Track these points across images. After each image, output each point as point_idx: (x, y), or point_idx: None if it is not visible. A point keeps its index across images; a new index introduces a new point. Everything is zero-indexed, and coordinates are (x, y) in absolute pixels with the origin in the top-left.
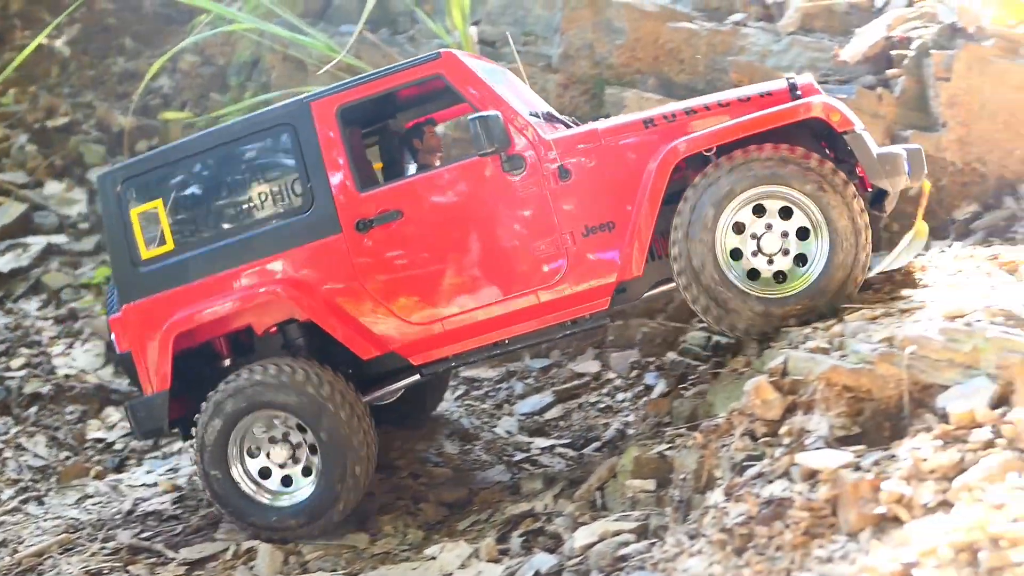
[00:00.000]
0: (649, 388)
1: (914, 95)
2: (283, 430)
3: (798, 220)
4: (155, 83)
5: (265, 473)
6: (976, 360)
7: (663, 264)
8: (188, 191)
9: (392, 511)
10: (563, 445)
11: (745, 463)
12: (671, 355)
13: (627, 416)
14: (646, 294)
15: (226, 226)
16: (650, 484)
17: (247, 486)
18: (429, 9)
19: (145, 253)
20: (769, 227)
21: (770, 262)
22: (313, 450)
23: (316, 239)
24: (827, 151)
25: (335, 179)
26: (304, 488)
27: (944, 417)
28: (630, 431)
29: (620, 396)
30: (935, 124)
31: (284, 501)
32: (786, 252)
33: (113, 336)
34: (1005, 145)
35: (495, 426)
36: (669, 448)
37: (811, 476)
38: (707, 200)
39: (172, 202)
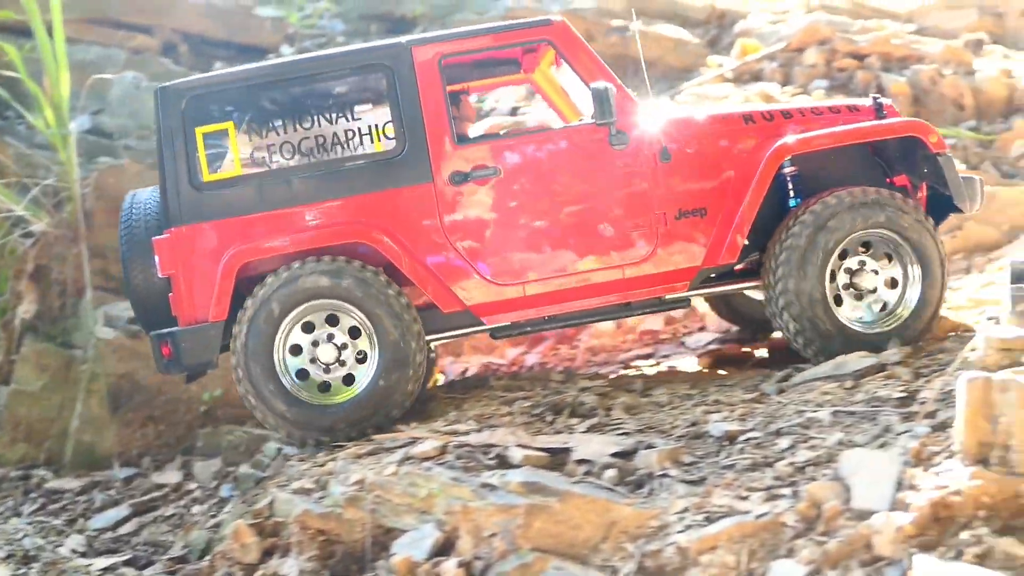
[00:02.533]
0: (225, 500)
1: None
2: (328, 331)
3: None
4: None
5: (303, 375)
6: (431, 506)
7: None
8: (265, 117)
9: None
10: (125, 563)
11: None
12: (244, 468)
13: (201, 531)
14: (714, 289)
15: (305, 160)
16: None
17: (288, 381)
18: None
19: (207, 175)
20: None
21: (859, 297)
22: (360, 359)
23: (405, 185)
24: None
25: (431, 127)
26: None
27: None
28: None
29: (196, 508)
30: None
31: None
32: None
33: (156, 256)
34: None
35: (61, 544)
36: None
37: None
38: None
39: (246, 126)
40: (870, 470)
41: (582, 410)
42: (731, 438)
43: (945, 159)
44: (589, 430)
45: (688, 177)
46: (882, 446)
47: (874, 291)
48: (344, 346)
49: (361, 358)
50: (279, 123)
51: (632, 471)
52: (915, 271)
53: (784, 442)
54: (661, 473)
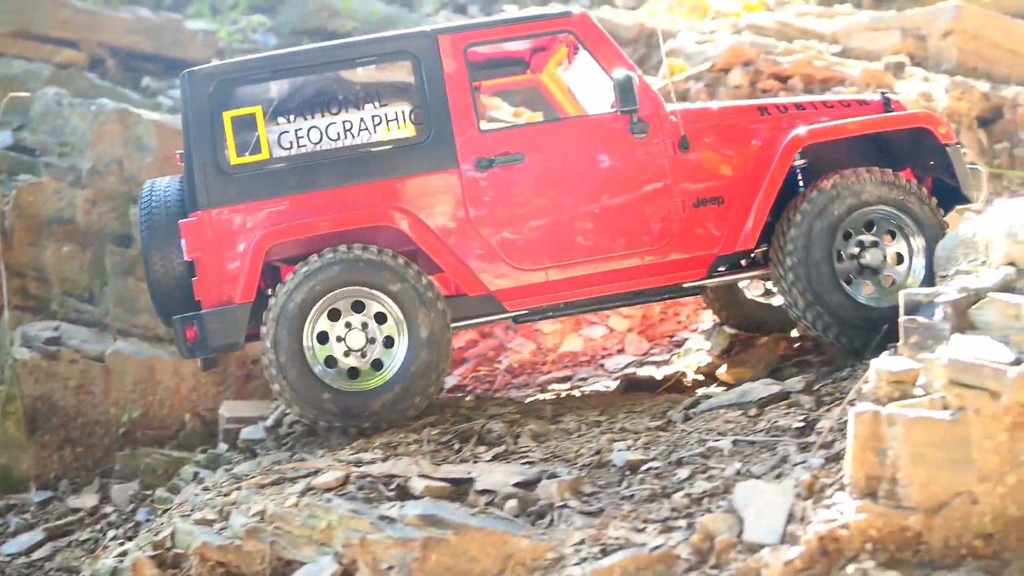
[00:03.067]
0: (140, 525)
1: None
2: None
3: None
4: None
5: (330, 362)
6: (330, 538)
7: None
8: (292, 102)
9: None
10: None
11: None
12: (161, 492)
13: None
14: (727, 278)
15: (331, 144)
16: None
17: (315, 363)
18: None
19: (235, 159)
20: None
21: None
22: (388, 343)
23: (431, 170)
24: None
25: (456, 114)
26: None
27: None
28: None
29: (111, 533)
30: None
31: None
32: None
33: (183, 240)
34: None
35: None
36: None
37: None
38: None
39: (273, 111)
40: (763, 502)
41: (489, 438)
42: (633, 468)
43: (954, 150)
44: (495, 459)
45: (706, 166)
46: (778, 477)
47: (881, 268)
48: (371, 334)
49: (387, 343)
50: (306, 108)
51: (534, 501)
52: (918, 242)
53: (684, 472)
54: (561, 504)
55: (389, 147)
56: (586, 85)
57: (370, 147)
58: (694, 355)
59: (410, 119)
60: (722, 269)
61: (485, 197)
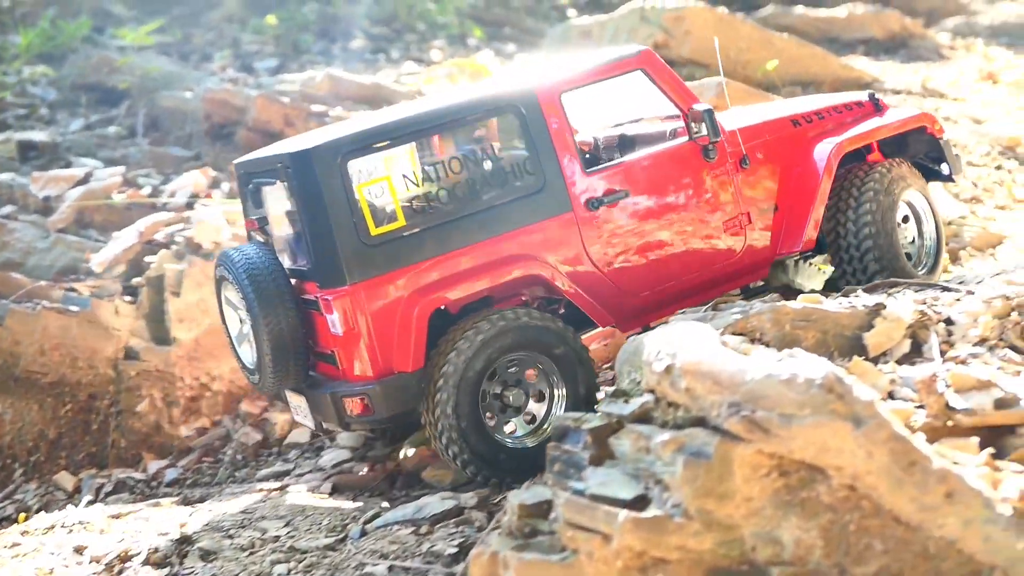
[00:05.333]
0: None
1: (154, 307)
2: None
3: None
4: None
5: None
6: None
7: None
8: (416, 166)
9: None
10: None
11: None
12: None
13: None
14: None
15: (457, 203)
16: None
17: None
18: None
19: (374, 230)
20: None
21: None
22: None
23: (550, 216)
24: None
25: (564, 160)
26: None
27: None
28: None
29: None
30: (169, 338)
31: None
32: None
33: (336, 315)
34: (233, 360)
35: None
36: None
37: None
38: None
39: (400, 177)
40: None
41: (155, 557)
42: None
43: (945, 142)
44: None
45: (760, 179)
46: None
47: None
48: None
49: (538, 397)
50: (429, 169)
51: None
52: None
53: None
54: None
55: (509, 199)
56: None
57: (492, 201)
58: (416, 448)
59: (525, 169)
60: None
61: (598, 233)
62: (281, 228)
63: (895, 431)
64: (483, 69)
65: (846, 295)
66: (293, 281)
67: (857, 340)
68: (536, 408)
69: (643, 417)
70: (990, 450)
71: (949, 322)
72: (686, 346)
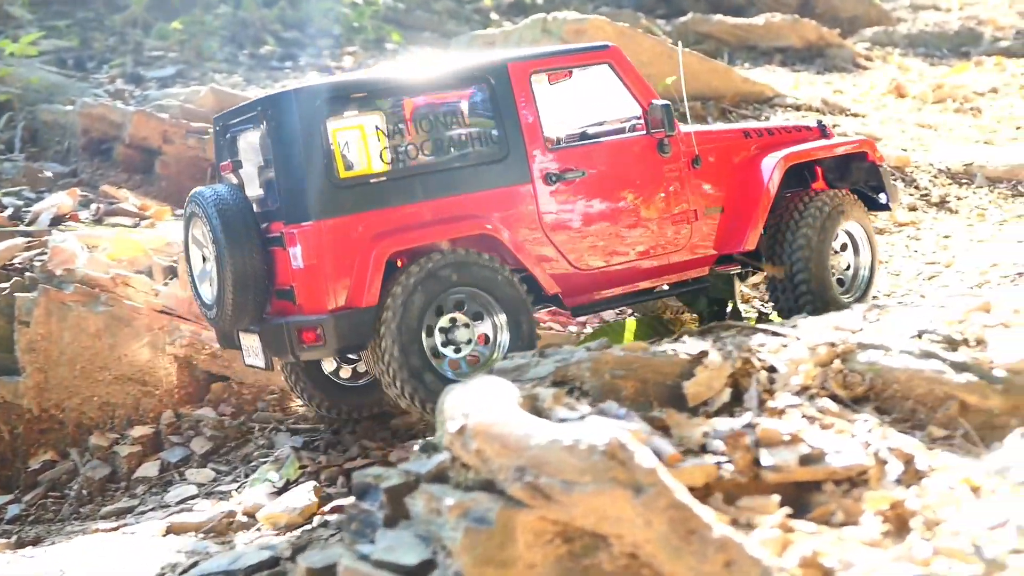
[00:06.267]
0: None
1: (5, 336)
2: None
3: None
4: None
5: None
6: None
7: None
8: (392, 121)
9: None
10: None
11: None
12: None
13: None
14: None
15: (427, 159)
16: None
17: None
18: None
19: (343, 173)
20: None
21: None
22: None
23: (510, 185)
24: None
25: (528, 134)
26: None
27: None
28: None
29: None
30: (18, 368)
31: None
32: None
33: (299, 248)
34: (84, 392)
35: None
36: None
37: None
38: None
39: (374, 128)
40: None
41: None
42: None
43: (883, 169)
44: None
45: (709, 181)
46: None
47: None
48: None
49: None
50: (403, 126)
51: None
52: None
53: None
54: None
55: (475, 163)
56: (567, 103)
57: (459, 162)
58: (259, 486)
59: (491, 138)
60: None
61: (554, 207)
62: (252, 171)
63: (676, 499)
64: None
65: (674, 341)
66: (262, 224)
67: (678, 389)
68: (481, 350)
69: (440, 476)
70: (786, 510)
71: (772, 370)
72: (481, 406)
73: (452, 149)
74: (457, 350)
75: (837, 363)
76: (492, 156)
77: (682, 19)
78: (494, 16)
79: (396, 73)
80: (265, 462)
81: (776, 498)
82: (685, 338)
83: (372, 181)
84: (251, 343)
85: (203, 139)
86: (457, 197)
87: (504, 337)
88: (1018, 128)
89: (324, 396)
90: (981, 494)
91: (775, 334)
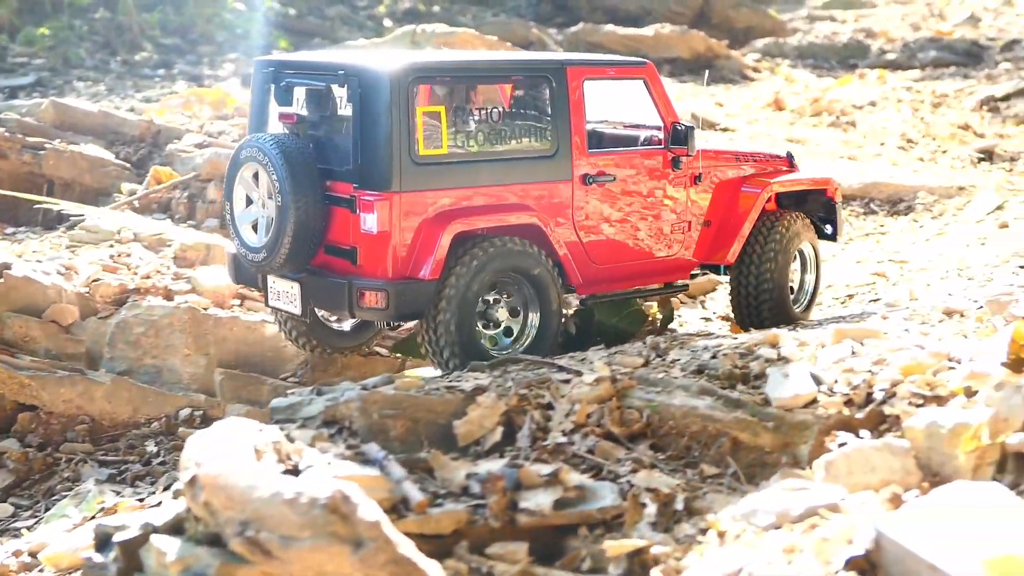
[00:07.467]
0: None
1: None
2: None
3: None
4: None
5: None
6: None
7: None
8: (467, 104)
9: None
10: None
11: None
12: None
13: None
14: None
15: (492, 147)
16: None
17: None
18: None
19: (423, 151)
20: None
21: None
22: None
23: (555, 180)
24: None
25: (576, 136)
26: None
27: None
28: None
29: None
30: None
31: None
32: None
33: (375, 215)
34: None
35: None
36: None
37: None
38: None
39: (453, 110)
40: None
41: None
42: None
43: (838, 205)
44: None
45: (704, 196)
46: None
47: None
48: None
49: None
50: (475, 110)
51: None
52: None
53: None
54: None
55: (530, 155)
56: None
57: (517, 152)
58: (55, 522)
59: (546, 134)
60: (696, 273)
61: (585, 205)
62: (320, 128)
63: (398, 553)
64: (226, 96)
65: (456, 377)
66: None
67: (449, 428)
68: (513, 323)
69: (178, 527)
70: (528, 559)
71: (549, 407)
72: (214, 455)
73: (512, 140)
74: (494, 327)
75: (614, 401)
76: (544, 151)
77: (573, 29)
78: (388, 23)
79: (476, 57)
80: (66, 496)
81: (524, 546)
82: (462, 375)
83: (445, 161)
84: (287, 289)
85: (39, 155)
86: (511, 186)
87: (535, 319)
88: (882, 144)
89: (311, 336)
90: (726, 539)
91: (561, 368)
